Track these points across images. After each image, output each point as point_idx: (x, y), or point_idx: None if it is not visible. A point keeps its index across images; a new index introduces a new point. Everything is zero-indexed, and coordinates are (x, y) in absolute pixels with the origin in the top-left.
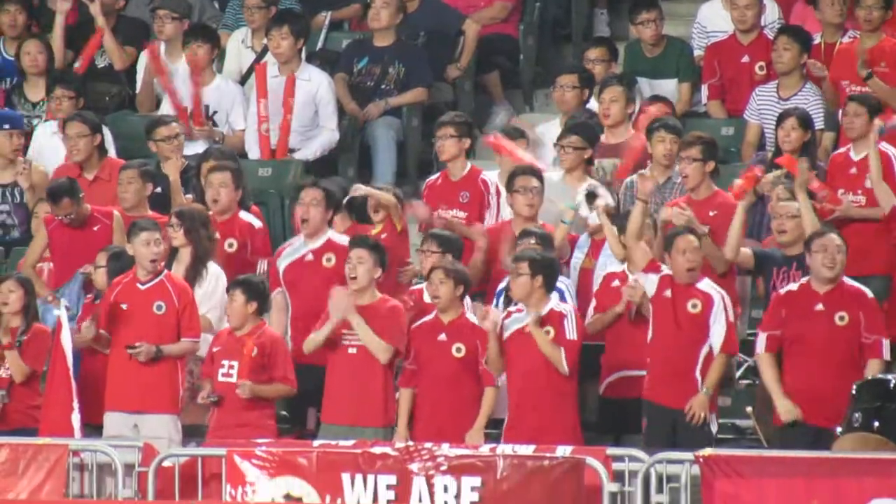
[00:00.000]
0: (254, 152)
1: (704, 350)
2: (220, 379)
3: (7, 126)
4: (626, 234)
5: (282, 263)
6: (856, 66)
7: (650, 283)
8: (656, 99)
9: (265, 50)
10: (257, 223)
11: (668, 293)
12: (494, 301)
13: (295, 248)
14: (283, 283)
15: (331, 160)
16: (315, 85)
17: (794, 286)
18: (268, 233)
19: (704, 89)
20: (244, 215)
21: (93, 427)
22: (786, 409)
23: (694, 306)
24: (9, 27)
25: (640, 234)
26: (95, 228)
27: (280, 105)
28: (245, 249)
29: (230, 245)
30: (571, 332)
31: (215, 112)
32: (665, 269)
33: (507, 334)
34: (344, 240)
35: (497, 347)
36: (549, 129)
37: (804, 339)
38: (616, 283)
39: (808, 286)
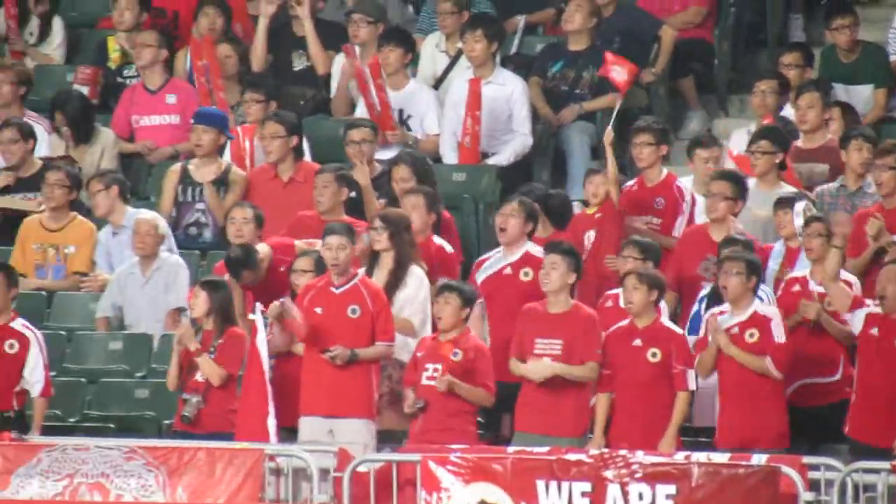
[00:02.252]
0: (449, 158)
1: None
2: (424, 382)
3: (204, 123)
4: (824, 276)
5: (480, 276)
6: None
7: (857, 320)
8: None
9: (459, 54)
10: (449, 248)
11: (874, 331)
12: (696, 306)
13: (494, 261)
14: (482, 295)
15: (525, 165)
16: (509, 89)
17: None
18: (459, 260)
19: None
20: (437, 240)
21: (288, 430)
22: None
23: None
24: (208, 31)
25: (837, 277)
26: (282, 269)
27: (466, 106)
28: (436, 273)
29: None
30: (780, 335)
31: (409, 116)
32: (871, 306)
33: (711, 339)
34: (542, 253)
35: (714, 353)
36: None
37: None
38: (797, 287)
39: None
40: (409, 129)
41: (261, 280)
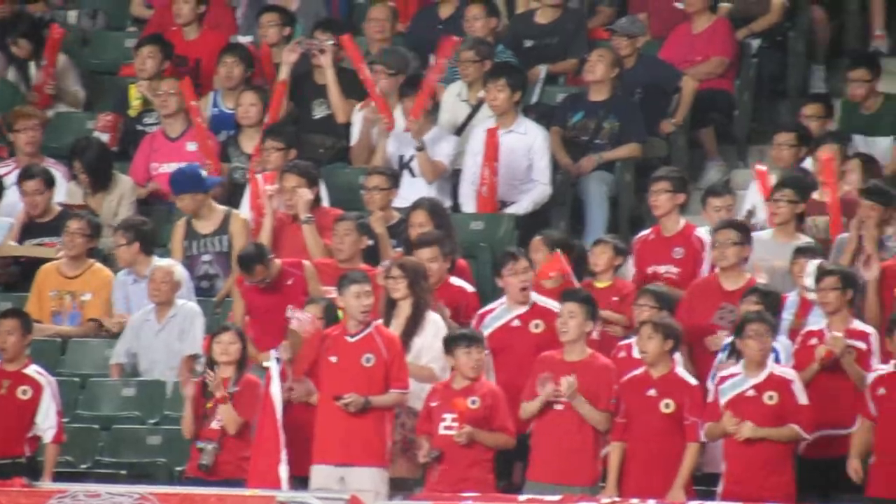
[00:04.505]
0: (468, 206)
1: None
2: (442, 432)
3: (178, 192)
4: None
5: (486, 329)
6: None
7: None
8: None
9: (480, 103)
10: (469, 288)
11: (882, 391)
12: (719, 356)
13: (500, 313)
14: (489, 348)
15: (542, 214)
16: (531, 139)
17: None
18: (478, 297)
19: None
20: (455, 280)
21: (299, 479)
22: None
23: None
24: (225, 79)
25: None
26: (289, 282)
27: (487, 155)
28: (459, 315)
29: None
30: (803, 397)
31: (411, 158)
32: (880, 368)
33: (724, 399)
34: (551, 304)
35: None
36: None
37: None
38: (814, 340)
39: None
40: (412, 173)
41: (271, 282)
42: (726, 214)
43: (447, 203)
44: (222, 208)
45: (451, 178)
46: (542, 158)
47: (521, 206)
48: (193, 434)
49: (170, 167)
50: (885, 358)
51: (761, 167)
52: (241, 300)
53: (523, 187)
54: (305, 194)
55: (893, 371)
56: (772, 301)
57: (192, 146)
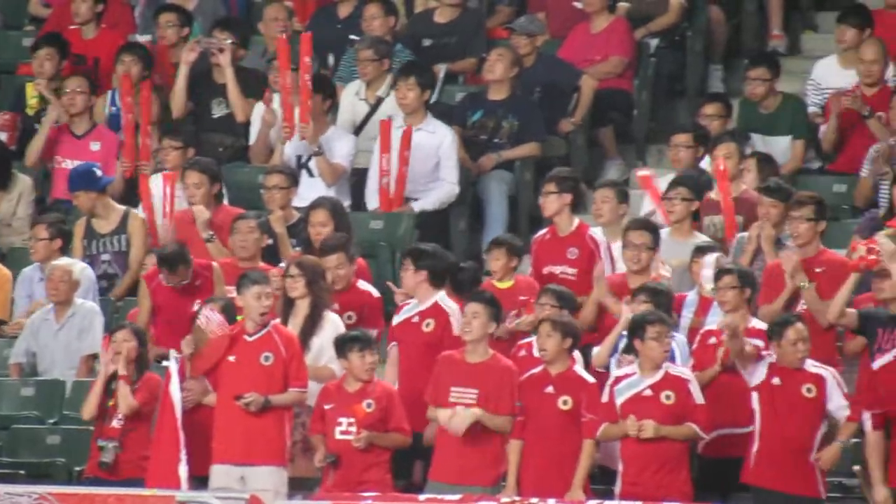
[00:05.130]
0: (372, 202)
1: (821, 432)
2: (338, 437)
3: (74, 189)
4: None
5: (395, 320)
6: None
7: (758, 372)
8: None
9: (379, 102)
10: (375, 293)
11: (776, 381)
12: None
13: (410, 308)
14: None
15: (442, 213)
16: (439, 138)
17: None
18: (382, 305)
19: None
20: (362, 285)
21: (200, 479)
22: (881, 496)
23: (809, 391)
24: (121, 76)
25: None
26: (198, 283)
27: (398, 156)
28: (363, 319)
29: (349, 318)
30: (699, 397)
31: (310, 158)
32: (770, 356)
33: (621, 399)
34: (449, 304)
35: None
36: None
37: None
38: (713, 340)
39: None
40: (310, 173)
41: (186, 283)
42: (613, 206)
43: (346, 202)
44: (121, 207)
45: (350, 177)
46: (450, 158)
47: (428, 201)
48: (91, 415)
49: (73, 164)
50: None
51: (644, 172)
52: (147, 299)
53: (430, 185)
54: (202, 213)
55: (780, 367)
56: (662, 299)
57: (95, 145)
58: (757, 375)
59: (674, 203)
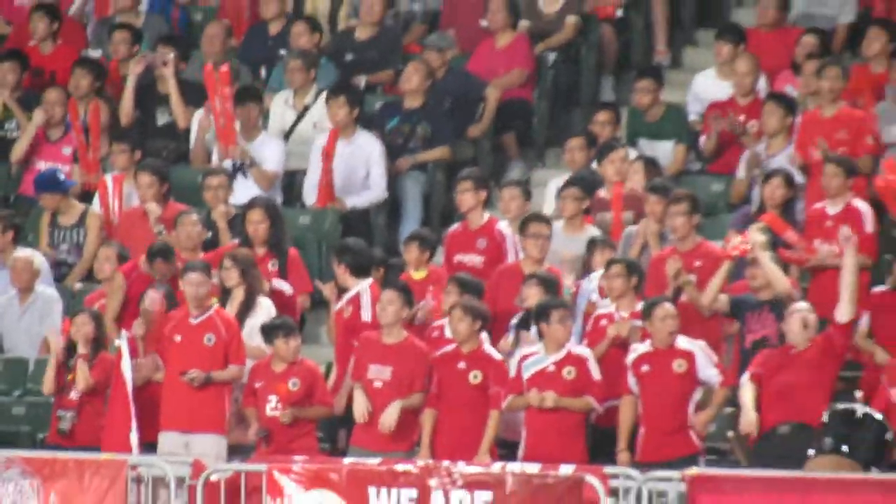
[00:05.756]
0: (310, 199)
1: (694, 399)
2: (269, 413)
3: (39, 191)
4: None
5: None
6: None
7: (636, 351)
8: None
9: (305, 109)
10: (288, 291)
11: (645, 368)
12: (508, 334)
13: (346, 297)
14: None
15: (364, 212)
16: (368, 150)
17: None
18: (306, 291)
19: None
20: (277, 283)
21: (149, 445)
22: (747, 422)
23: (680, 366)
24: (75, 88)
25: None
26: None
27: (331, 161)
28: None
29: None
30: (597, 373)
31: (245, 164)
32: (639, 347)
33: (527, 374)
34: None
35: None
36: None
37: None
38: (604, 322)
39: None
40: (244, 175)
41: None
42: (519, 203)
43: (278, 199)
44: (81, 205)
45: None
46: (377, 167)
47: (359, 200)
48: (51, 391)
49: (45, 165)
50: (644, 338)
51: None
52: (122, 291)
53: (361, 193)
54: (154, 210)
55: (653, 350)
56: (550, 286)
57: (67, 150)
58: (633, 355)
59: (566, 201)
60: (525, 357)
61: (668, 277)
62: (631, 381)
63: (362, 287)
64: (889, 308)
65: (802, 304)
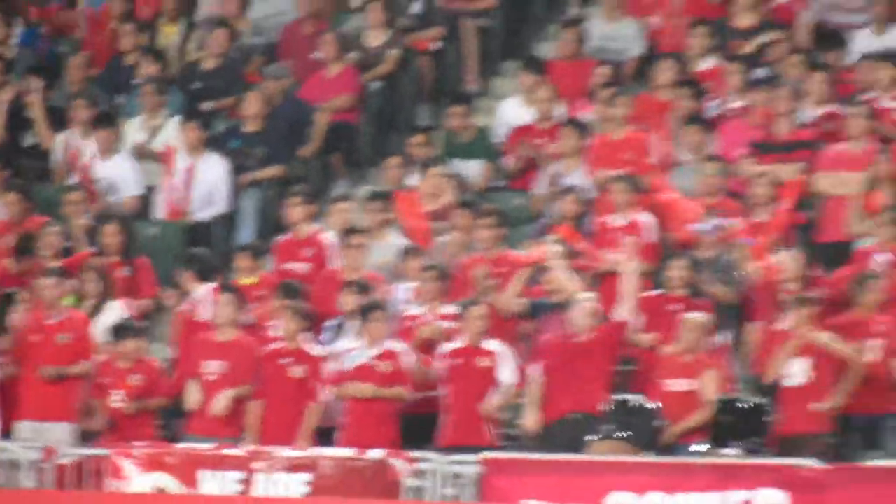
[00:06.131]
0: (160, 212)
1: (493, 394)
2: (114, 405)
3: None
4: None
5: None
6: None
7: (446, 348)
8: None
9: (156, 130)
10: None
11: (458, 361)
12: (324, 334)
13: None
14: None
15: (207, 223)
16: (214, 169)
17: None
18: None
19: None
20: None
21: (5, 433)
22: (532, 420)
23: (483, 363)
24: None
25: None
26: None
27: (183, 177)
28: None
29: None
30: (410, 366)
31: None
32: (450, 343)
33: (349, 367)
34: (199, 295)
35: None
36: None
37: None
38: (413, 323)
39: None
40: (113, 192)
41: None
42: (345, 216)
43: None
44: None
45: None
46: (222, 184)
47: (205, 213)
48: None
49: None
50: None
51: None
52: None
53: (206, 208)
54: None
55: (463, 346)
56: (366, 290)
57: None
58: (444, 350)
59: (373, 214)
60: (347, 352)
61: (476, 282)
62: (441, 371)
63: (204, 291)
64: (662, 309)
65: (586, 295)
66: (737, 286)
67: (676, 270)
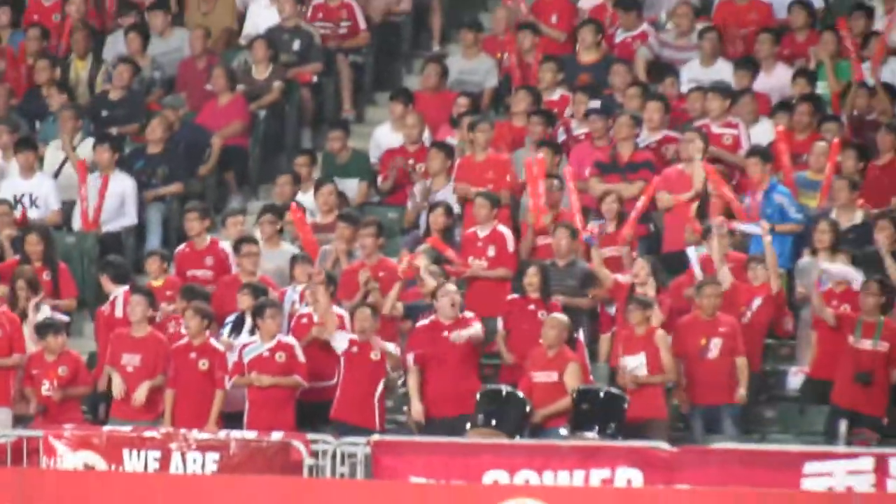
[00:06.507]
0: (76, 223)
1: (382, 382)
2: (44, 393)
3: None
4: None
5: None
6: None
7: (343, 339)
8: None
9: (74, 149)
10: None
11: (354, 349)
12: (224, 328)
13: None
14: None
15: (117, 234)
16: (123, 186)
17: (426, 322)
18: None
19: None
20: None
21: None
22: (416, 411)
23: (376, 355)
24: None
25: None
26: None
27: (97, 193)
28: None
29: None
30: (302, 357)
31: (27, 196)
32: (350, 335)
33: (247, 359)
34: (118, 293)
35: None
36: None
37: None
38: (304, 320)
39: (437, 321)
40: (33, 204)
41: None
42: (240, 228)
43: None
44: None
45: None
46: (130, 199)
47: (115, 225)
48: None
49: None
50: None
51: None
52: None
53: (117, 219)
54: None
55: (358, 340)
56: (260, 292)
57: None
58: (341, 345)
59: (264, 225)
60: (245, 346)
61: (360, 285)
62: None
63: (119, 292)
64: (521, 311)
65: (451, 287)
66: (590, 290)
67: (529, 277)
